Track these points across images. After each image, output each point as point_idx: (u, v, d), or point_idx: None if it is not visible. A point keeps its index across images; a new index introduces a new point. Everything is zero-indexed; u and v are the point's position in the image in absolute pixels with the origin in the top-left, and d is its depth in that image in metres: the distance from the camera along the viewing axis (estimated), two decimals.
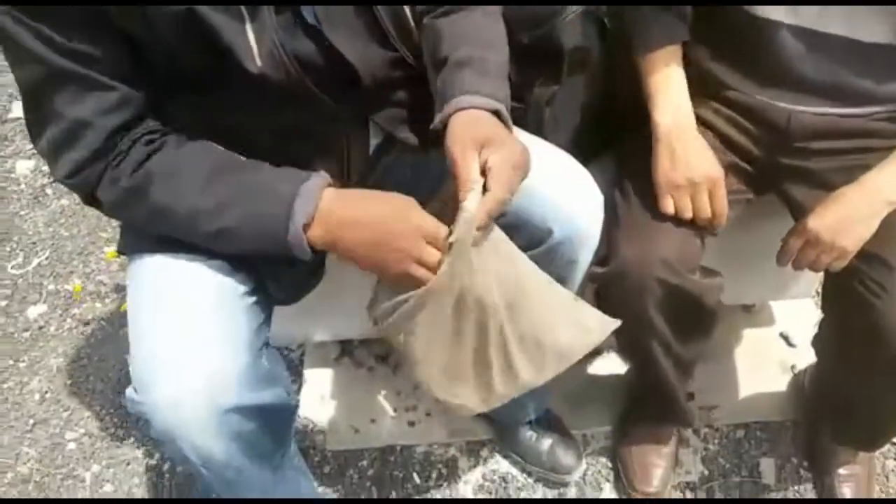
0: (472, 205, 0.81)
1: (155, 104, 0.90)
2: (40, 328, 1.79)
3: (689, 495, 1.45)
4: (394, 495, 1.47)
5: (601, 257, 1.11)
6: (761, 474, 1.47)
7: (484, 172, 0.83)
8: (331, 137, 0.99)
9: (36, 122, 0.87)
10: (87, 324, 1.79)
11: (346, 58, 0.91)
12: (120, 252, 1.07)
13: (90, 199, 0.91)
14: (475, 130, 0.85)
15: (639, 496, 1.42)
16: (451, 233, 0.84)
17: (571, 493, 1.46)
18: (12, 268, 1.92)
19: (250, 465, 1.00)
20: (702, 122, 1.13)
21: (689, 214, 1.08)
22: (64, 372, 1.70)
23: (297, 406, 1.05)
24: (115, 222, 2.00)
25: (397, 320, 0.90)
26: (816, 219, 1.07)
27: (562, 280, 0.99)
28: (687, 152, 1.07)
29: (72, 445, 1.58)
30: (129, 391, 0.92)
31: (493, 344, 0.92)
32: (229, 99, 0.90)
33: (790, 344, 1.63)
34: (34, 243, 1.99)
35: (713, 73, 1.14)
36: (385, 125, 1.03)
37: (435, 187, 1.10)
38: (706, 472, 1.48)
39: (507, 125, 0.90)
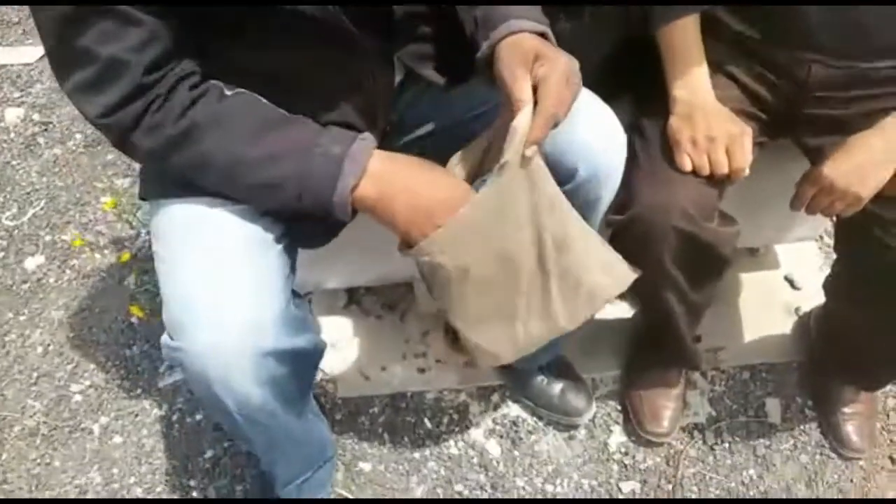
0: (524, 123, 0.80)
1: (182, 44, 0.87)
2: (39, 280, 1.77)
3: (696, 436, 1.48)
4: (406, 441, 1.49)
5: (618, 204, 1.10)
6: (767, 414, 1.50)
7: (536, 91, 0.82)
8: (360, 76, 0.96)
9: (63, 63, 0.84)
10: (86, 276, 1.77)
11: None
12: (142, 198, 1.05)
13: (121, 143, 0.88)
14: (524, 47, 0.83)
15: (649, 437, 1.44)
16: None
17: (581, 434, 1.48)
18: (7, 219, 1.88)
19: (282, 410, 1.01)
20: (720, 71, 1.12)
21: (706, 172, 1.07)
22: (66, 324, 1.69)
23: (324, 351, 1.05)
24: (110, 171, 1.96)
25: (437, 246, 0.87)
26: (832, 166, 1.07)
27: None
28: (707, 119, 1.06)
29: (78, 398, 1.58)
30: (164, 338, 0.92)
31: (536, 281, 0.91)
32: (260, 37, 0.87)
33: (794, 287, 1.65)
34: (28, 194, 1.94)
35: (732, 26, 1.11)
36: (410, 62, 1.01)
37: (455, 127, 1.08)
38: (713, 413, 1.50)
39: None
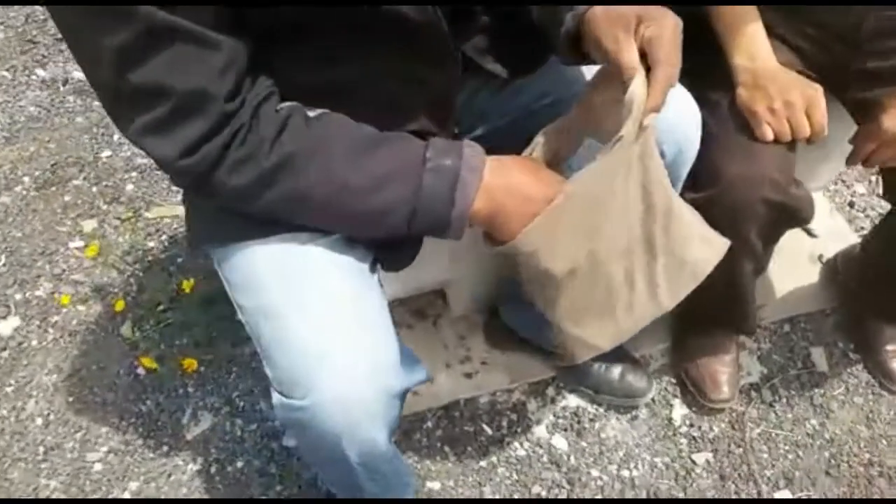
0: (640, 92, 0.73)
1: (254, 62, 0.76)
2: (19, 345, 1.57)
3: (753, 396, 1.48)
4: (469, 451, 1.42)
5: (696, 181, 1.07)
6: (814, 363, 1.52)
7: (643, 54, 0.74)
8: (432, 77, 0.88)
9: (126, 102, 0.71)
10: (73, 332, 1.59)
11: None
12: (195, 246, 0.93)
13: (200, 185, 0.75)
14: (623, 11, 0.75)
15: (712, 405, 1.43)
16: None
17: (643, 414, 1.46)
18: None
19: (393, 452, 0.93)
20: (771, 34, 1.10)
21: (788, 138, 1.05)
22: (62, 389, 1.51)
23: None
24: (72, 213, 1.78)
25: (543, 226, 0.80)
26: (891, 119, 1.07)
27: None
28: (777, 83, 1.04)
29: (98, 466, 1.41)
30: (276, 398, 0.81)
31: (642, 262, 0.86)
32: (333, 47, 0.78)
33: (812, 235, 1.68)
34: None
35: None
36: (473, 55, 0.93)
37: (512, 125, 1.02)
38: (765, 371, 1.51)
39: None
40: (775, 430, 1.45)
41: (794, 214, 1.09)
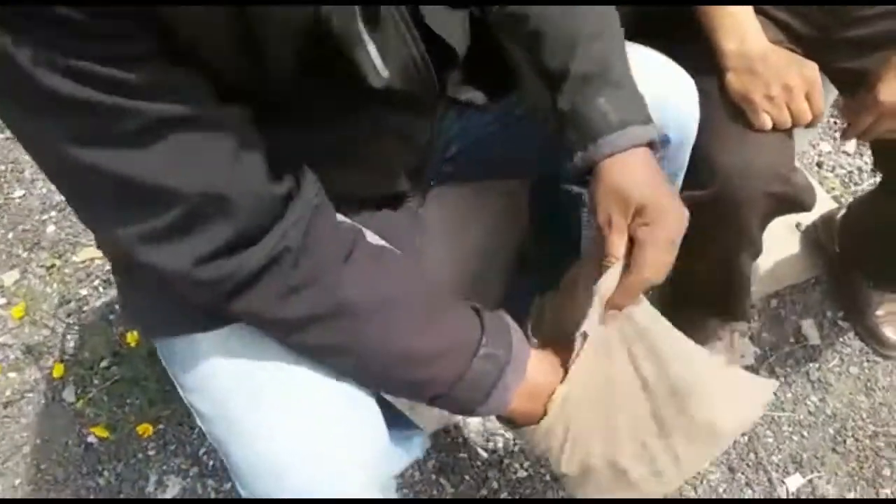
0: (608, 286, 0.69)
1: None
2: None
3: None
4: (467, 480, 1.32)
5: (694, 175, 0.98)
6: (806, 337, 1.47)
7: (632, 242, 0.70)
8: (414, 132, 0.78)
9: (113, 215, 0.56)
10: (8, 403, 1.42)
11: (447, 40, 0.70)
12: (149, 335, 0.79)
13: (224, 302, 0.61)
14: (628, 192, 0.68)
15: None
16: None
17: None
18: None
19: None
20: (756, 11, 1.01)
21: (789, 125, 0.97)
22: (4, 471, 1.34)
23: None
24: None
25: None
26: (888, 90, 1.00)
27: None
28: (771, 67, 0.95)
29: None
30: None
31: (653, 436, 0.75)
32: (315, 115, 0.66)
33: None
34: None
35: None
36: (451, 90, 0.82)
37: (479, 143, 0.92)
38: (758, 352, 1.46)
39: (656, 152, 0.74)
40: (777, 412, 1.40)
41: (796, 203, 1.02)
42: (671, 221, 0.69)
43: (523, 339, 0.73)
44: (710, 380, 0.76)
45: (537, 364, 0.73)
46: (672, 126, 0.87)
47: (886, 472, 1.34)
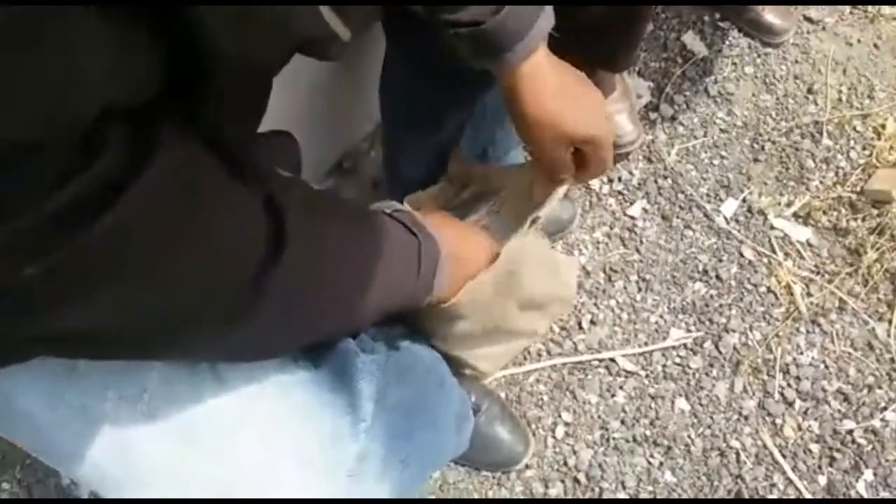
0: (549, 209, 0.71)
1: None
2: None
3: (654, 117, 1.28)
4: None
5: None
6: (693, 52, 1.33)
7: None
8: None
9: None
10: None
11: None
12: None
13: None
14: (563, 122, 0.62)
15: (627, 152, 1.22)
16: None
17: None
18: None
19: None
20: None
21: None
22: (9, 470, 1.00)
23: None
24: None
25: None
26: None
27: None
28: None
29: None
30: None
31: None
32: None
33: None
34: None
35: None
36: None
37: None
38: (652, 84, 1.31)
39: None
40: (690, 141, 1.27)
41: None
42: (607, 132, 0.66)
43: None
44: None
45: (464, 237, 0.67)
46: None
47: (809, 163, 1.26)
